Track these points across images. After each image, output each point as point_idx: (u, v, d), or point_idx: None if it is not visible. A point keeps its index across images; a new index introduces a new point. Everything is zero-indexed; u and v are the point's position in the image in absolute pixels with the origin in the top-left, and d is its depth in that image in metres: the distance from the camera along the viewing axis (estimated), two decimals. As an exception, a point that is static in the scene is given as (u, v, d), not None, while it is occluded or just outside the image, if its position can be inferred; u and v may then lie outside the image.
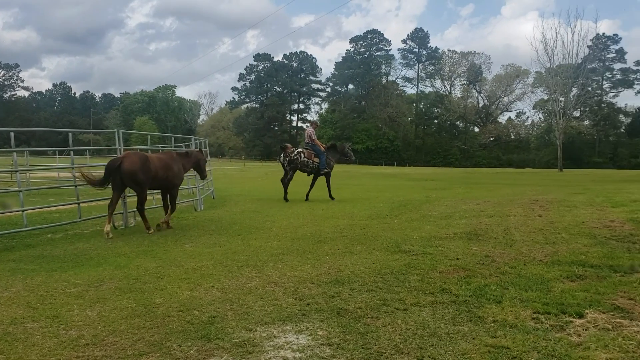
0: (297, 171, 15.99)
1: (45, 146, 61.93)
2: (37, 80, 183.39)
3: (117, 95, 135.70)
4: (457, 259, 6.83)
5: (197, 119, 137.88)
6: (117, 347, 3.96)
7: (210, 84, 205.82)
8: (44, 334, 4.25)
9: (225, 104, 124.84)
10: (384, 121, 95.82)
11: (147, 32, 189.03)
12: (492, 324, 4.31)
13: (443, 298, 5.06)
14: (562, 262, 6.43)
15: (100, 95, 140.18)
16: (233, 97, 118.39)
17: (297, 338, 4.10)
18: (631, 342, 3.86)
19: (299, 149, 16.05)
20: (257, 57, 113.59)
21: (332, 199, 15.71)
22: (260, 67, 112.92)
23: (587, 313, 4.49)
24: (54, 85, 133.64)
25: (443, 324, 4.35)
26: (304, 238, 8.77)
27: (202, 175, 12.22)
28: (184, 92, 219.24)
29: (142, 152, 10.75)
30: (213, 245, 8.37)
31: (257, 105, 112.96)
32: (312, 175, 16.22)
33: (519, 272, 6.01)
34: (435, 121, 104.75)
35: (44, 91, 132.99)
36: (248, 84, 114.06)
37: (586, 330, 4.14)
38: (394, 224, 10.42)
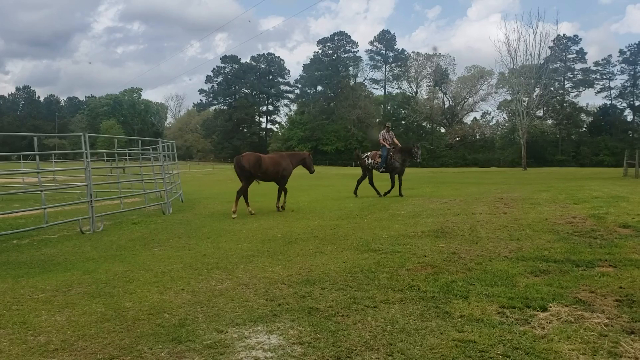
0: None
1: (8, 151, 59.95)
2: (0, 84, 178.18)
3: (82, 98, 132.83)
4: (425, 256, 6.96)
5: (164, 121, 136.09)
6: (87, 352, 3.92)
7: (178, 86, 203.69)
8: (11, 340, 4.19)
9: (193, 106, 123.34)
10: (353, 122, 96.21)
11: (114, 35, 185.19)
12: (459, 319, 4.42)
13: (411, 295, 5.16)
14: (527, 258, 6.62)
15: (65, 99, 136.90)
16: (200, 100, 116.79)
17: (269, 338, 4.13)
18: (592, 333, 4.01)
19: (369, 153, 17.94)
20: (225, 59, 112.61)
21: (401, 195, 16.66)
22: (227, 69, 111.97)
23: (551, 306, 4.65)
24: (17, 89, 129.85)
25: (412, 320, 4.44)
26: (275, 239, 8.80)
27: (311, 170, 14.85)
28: (151, 94, 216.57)
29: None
30: (182, 248, 8.33)
31: (225, 107, 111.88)
32: (389, 174, 17.13)
33: (485, 268, 6.17)
34: (403, 122, 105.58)
35: (6, 95, 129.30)
36: (216, 86, 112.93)
37: (550, 323, 4.28)
38: (364, 223, 10.53)
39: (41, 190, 10.58)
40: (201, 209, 14.57)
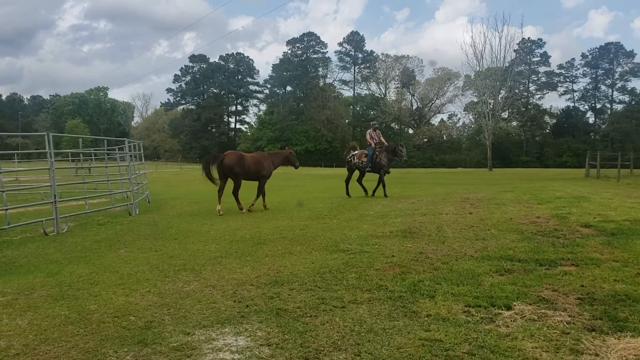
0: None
1: (-33, 150, 58.01)
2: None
3: (47, 97, 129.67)
4: (393, 256, 7.02)
5: (131, 121, 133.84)
6: (49, 356, 3.83)
7: (145, 85, 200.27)
8: (-32, 346, 4.05)
9: (160, 106, 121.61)
10: (322, 123, 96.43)
11: (80, 33, 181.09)
12: (426, 318, 4.47)
13: (379, 294, 5.20)
14: (492, 257, 6.74)
15: (29, 98, 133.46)
16: (168, 99, 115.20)
17: (236, 340, 4.11)
18: (555, 330, 4.12)
19: (355, 152, 17.80)
20: (193, 58, 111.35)
21: (386, 196, 16.44)
22: (195, 69, 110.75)
23: (515, 305, 4.75)
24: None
25: (379, 319, 4.48)
26: (243, 240, 8.74)
27: (296, 165, 15.17)
28: (118, 94, 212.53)
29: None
30: (149, 249, 8.21)
31: (193, 106, 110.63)
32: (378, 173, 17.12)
33: (451, 267, 6.26)
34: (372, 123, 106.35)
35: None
36: (184, 86, 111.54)
37: (514, 321, 4.37)
38: (333, 223, 10.56)
39: (2, 191, 10.28)
40: (168, 209, 14.37)
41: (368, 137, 17.47)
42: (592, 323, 4.25)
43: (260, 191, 13.79)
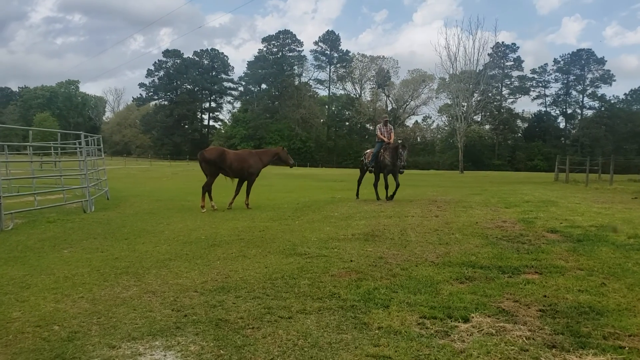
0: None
1: None
2: None
3: (15, 89, 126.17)
4: (351, 261, 6.68)
5: (102, 115, 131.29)
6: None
7: (120, 80, 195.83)
8: None
9: (132, 101, 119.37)
10: (297, 122, 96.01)
11: (53, 26, 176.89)
12: (377, 331, 4.13)
13: (331, 303, 4.84)
14: (453, 263, 6.45)
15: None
16: (140, 94, 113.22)
17: (165, 355, 3.70)
18: (513, 347, 3.80)
19: (368, 151, 16.48)
20: (167, 53, 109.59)
21: (390, 198, 15.19)
22: (169, 64, 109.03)
23: (473, 317, 4.43)
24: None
25: (327, 332, 4.12)
26: (197, 242, 8.30)
27: (289, 163, 14.47)
28: (90, 88, 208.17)
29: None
30: (95, 250, 7.71)
31: (166, 102, 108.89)
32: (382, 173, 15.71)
33: (410, 273, 5.94)
34: (347, 123, 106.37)
35: None
36: (157, 81, 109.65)
37: (470, 335, 4.05)
38: (295, 225, 10.18)
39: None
40: (127, 207, 13.80)
41: (378, 132, 16.02)
42: (553, 339, 3.94)
43: (247, 187, 13.61)
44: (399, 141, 16.49)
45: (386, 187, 15.58)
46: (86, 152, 13.85)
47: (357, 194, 16.49)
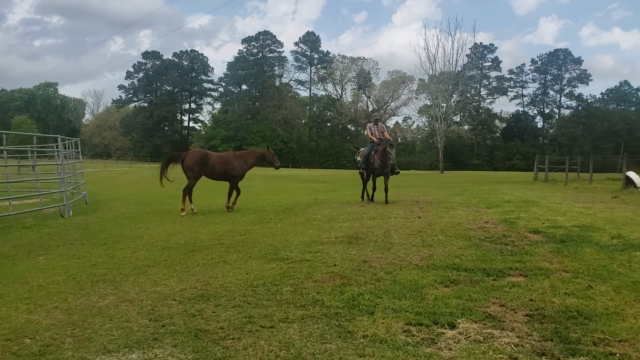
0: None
1: None
2: None
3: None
4: (335, 265, 6.55)
5: (81, 118, 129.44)
6: None
7: (99, 82, 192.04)
8: None
9: (112, 103, 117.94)
10: (278, 123, 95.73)
11: (31, 28, 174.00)
12: (361, 340, 4.00)
13: (314, 311, 4.70)
14: (437, 266, 6.35)
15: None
16: (120, 96, 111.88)
17: (141, 370, 3.54)
18: (501, 355, 3.69)
19: (361, 150, 16.01)
20: (146, 54, 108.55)
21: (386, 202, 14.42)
22: (149, 65, 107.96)
23: (459, 323, 4.33)
24: None
25: (310, 342, 3.98)
26: (176, 247, 8.10)
27: (275, 165, 13.86)
28: (69, 90, 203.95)
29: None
30: (71, 257, 7.48)
31: (145, 104, 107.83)
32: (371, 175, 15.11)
33: (395, 277, 5.83)
34: (328, 124, 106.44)
35: None
36: (136, 82, 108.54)
37: (457, 343, 3.94)
38: (277, 228, 10.03)
39: None
40: (105, 211, 13.51)
41: (368, 132, 15.15)
42: (542, 345, 3.85)
43: (234, 190, 13.41)
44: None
45: (373, 189, 15.32)
46: (63, 156, 13.51)
47: (363, 196, 15.79)
